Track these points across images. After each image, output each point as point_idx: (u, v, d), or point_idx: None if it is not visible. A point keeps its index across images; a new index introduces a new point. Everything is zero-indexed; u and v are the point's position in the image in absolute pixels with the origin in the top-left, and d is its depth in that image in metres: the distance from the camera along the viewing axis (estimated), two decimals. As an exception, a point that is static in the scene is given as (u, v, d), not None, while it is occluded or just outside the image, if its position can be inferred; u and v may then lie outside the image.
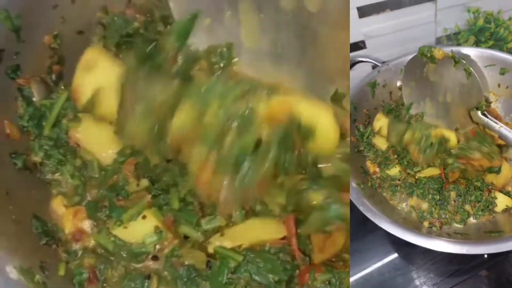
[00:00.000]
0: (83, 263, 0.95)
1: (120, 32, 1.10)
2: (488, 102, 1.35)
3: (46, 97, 1.05)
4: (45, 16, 1.05)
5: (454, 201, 1.15)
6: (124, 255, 0.94)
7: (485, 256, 1.24)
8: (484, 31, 1.53)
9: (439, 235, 1.10)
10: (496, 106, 1.35)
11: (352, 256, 1.27)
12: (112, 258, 0.95)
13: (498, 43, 1.53)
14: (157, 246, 0.95)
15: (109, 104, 0.93)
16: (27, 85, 1.03)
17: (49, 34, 1.07)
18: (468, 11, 1.54)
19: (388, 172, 1.23)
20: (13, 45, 1.00)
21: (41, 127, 1.03)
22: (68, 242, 0.97)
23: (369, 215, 1.08)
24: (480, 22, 1.53)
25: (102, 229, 0.95)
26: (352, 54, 1.62)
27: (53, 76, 1.08)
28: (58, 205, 1.00)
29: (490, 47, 1.38)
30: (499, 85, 1.33)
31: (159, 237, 0.93)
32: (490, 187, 1.16)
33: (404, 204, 1.19)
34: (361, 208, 1.09)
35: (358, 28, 1.56)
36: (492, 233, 1.07)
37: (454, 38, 1.59)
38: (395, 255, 1.29)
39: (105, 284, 0.95)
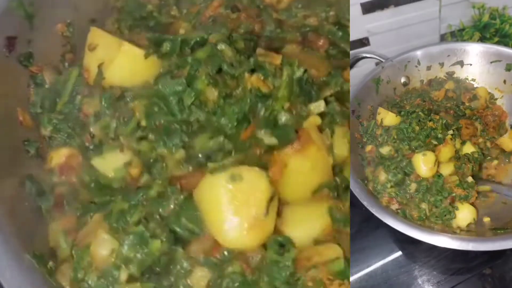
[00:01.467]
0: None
1: (134, 15, 1.11)
2: (493, 98, 1.34)
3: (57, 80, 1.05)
4: (57, 4, 1.05)
5: (413, 192, 1.12)
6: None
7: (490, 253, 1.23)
8: (489, 28, 1.52)
9: (443, 231, 1.08)
10: (501, 103, 1.33)
11: (356, 254, 1.27)
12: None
13: (504, 40, 1.52)
14: None
15: (110, 75, 0.99)
16: (39, 72, 1.02)
17: (62, 22, 1.07)
18: (473, 7, 1.53)
19: (381, 150, 1.22)
20: (26, 32, 1.00)
21: (54, 108, 1.03)
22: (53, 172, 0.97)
23: (373, 211, 1.06)
24: (485, 18, 1.52)
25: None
26: (356, 51, 1.61)
27: (66, 64, 1.09)
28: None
29: (495, 44, 1.36)
30: (504, 82, 1.31)
31: (126, 169, 0.94)
32: (454, 194, 1.10)
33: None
34: (365, 203, 1.07)
35: (362, 25, 1.56)
36: (497, 230, 1.05)
37: (459, 34, 1.58)
38: (399, 252, 1.28)
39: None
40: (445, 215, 1.09)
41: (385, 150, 1.21)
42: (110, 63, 0.99)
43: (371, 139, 1.26)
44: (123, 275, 0.82)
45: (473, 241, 1.00)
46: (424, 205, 1.11)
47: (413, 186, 1.13)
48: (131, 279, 0.83)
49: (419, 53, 1.37)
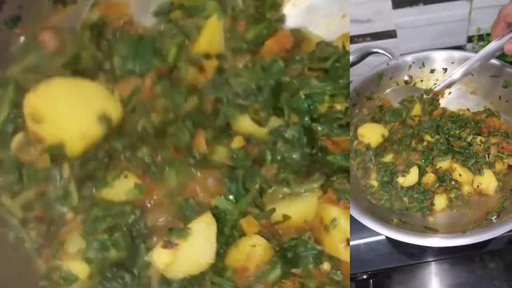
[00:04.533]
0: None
1: None
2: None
3: None
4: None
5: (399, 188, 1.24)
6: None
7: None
8: (515, 37, 1.49)
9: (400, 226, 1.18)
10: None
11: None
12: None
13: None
14: None
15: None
16: (24, 33, 1.07)
17: None
18: (504, 13, 1.51)
19: (382, 159, 1.30)
20: None
21: None
22: None
23: (354, 214, 1.12)
24: (513, 25, 1.49)
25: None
26: (382, 41, 1.70)
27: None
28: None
29: (499, 59, 1.34)
30: (500, 98, 1.35)
31: (140, 190, 1.01)
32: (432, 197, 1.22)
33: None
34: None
35: (391, 18, 1.63)
36: (428, 229, 1.17)
37: (486, 38, 1.58)
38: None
39: None
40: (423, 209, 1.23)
41: (387, 159, 1.31)
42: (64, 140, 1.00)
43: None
44: (84, 271, 0.96)
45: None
46: (406, 199, 1.25)
47: (401, 179, 1.24)
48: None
49: (425, 55, 1.42)
